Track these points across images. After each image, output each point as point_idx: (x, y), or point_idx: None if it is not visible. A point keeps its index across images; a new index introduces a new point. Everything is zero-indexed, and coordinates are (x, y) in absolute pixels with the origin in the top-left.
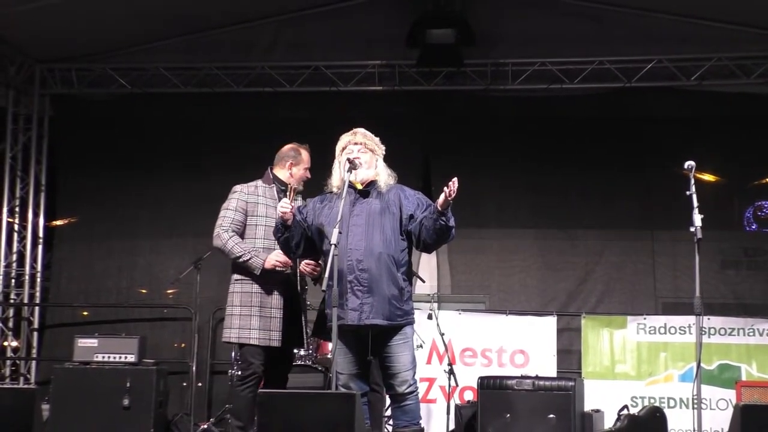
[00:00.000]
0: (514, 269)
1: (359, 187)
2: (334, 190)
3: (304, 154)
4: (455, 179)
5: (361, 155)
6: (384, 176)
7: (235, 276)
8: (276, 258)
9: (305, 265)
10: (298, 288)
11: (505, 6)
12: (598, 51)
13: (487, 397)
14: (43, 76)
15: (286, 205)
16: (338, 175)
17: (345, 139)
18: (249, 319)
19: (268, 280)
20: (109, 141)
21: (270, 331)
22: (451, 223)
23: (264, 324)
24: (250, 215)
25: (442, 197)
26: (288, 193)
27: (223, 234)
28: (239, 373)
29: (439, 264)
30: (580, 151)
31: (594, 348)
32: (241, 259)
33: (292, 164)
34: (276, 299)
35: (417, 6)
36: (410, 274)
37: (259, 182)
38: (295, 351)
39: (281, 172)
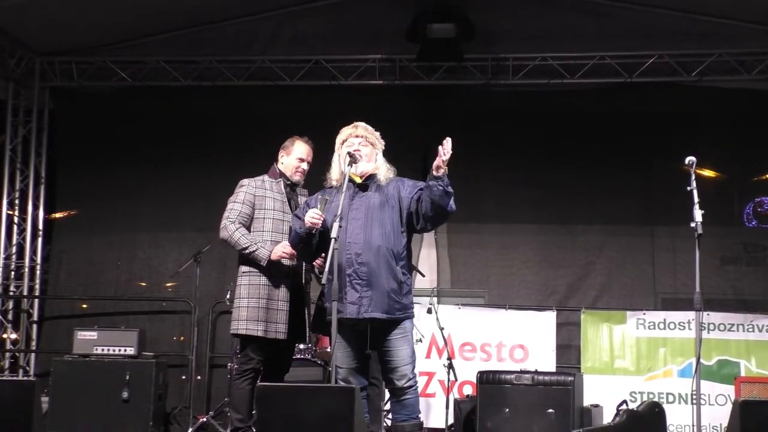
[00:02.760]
0: (513, 264)
1: (358, 180)
2: (334, 183)
3: (297, 145)
4: (448, 139)
5: (362, 148)
6: (383, 170)
7: (243, 268)
8: (282, 249)
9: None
10: (303, 280)
11: (505, 0)
12: (599, 46)
13: (486, 392)
14: (43, 69)
15: (316, 216)
16: (338, 168)
17: (346, 132)
18: (256, 311)
19: (275, 272)
20: (109, 134)
21: (276, 324)
22: (449, 189)
23: (271, 316)
24: (258, 208)
25: (436, 159)
26: (319, 204)
27: (230, 226)
28: (238, 366)
29: (439, 258)
30: (580, 146)
31: (593, 343)
32: (246, 251)
33: (282, 153)
34: (283, 292)
35: (418, 0)
36: (410, 268)
37: (266, 177)
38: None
39: (279, 163)
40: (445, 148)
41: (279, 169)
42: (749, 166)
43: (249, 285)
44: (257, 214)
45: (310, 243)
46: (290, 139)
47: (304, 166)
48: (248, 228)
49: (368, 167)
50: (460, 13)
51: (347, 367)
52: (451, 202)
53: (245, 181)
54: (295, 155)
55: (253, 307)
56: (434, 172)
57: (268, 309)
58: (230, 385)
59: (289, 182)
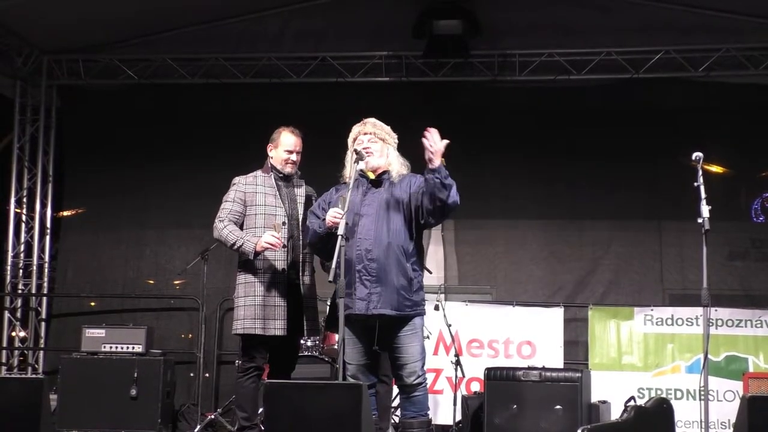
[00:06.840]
0: (521, 260)
1: (371, 176)
2: (348, 181)
3: (283, 136)
4: (431, 129)
5: (372, 145)
6: (396, 165)
7: (239, 269)
8: (266, 240)
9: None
10: (300, 276)
11: None
12: (606, 42)
13: (494, 388)
14: (50, 67)
15: (338, 215)
16: (350, 166)
17: (356, 129)
18: (253, 309)
19: (269, 269)
20: (116, 131)
21: (275, 320)
22: (447, 180)
23: (268, 314)
24: (249, 205)
25: (425, 153)
26: (340, 203)
27: (219, 224)
28: (241, 364)
29: (446, 255)
30: (588, 142)
31: (601, 339)
32: (234, 246)
33: (271, 147)
34: (279, 288)
35: None
36: (421, 265)
37: (259, 172)
38: (302, 342)
39: (270, 157)
40: (429, 141)
41: (270, 163)
42: (756, 162)
43: (245, 284)
44: (249, 210)
45: (329, 241)
46: (277, 131)
47: (293, 157)
48: (241, 225)
49: (380, 162)
50: (466, 9)
51: (356, 364)
52: (453, 194)
53: (237, 179)
54: (282, 147)
55: (249, 306)
56: (429, 165)
57: (264, 306)
58: (235, 383)
59: (280, 175)
